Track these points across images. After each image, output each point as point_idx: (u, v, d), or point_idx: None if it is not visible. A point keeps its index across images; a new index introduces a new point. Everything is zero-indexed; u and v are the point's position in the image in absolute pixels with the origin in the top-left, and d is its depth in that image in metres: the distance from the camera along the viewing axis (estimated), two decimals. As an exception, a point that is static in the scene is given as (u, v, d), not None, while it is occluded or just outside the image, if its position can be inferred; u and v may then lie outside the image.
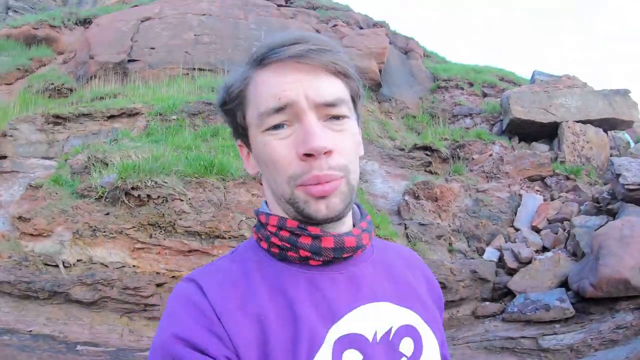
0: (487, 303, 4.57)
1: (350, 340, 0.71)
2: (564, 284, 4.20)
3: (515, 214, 6.04)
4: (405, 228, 5.52)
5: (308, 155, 0.68)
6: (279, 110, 0.69)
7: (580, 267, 4.07)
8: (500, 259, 5.19)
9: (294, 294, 0.72)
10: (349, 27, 8.29)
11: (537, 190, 6.42)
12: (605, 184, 5.99)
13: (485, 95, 8.06)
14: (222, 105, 0.80)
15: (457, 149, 7.06)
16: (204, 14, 7.30)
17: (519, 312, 3.96)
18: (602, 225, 4.55)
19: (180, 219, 3.88)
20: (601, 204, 5.17)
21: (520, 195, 6.29)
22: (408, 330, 0.78)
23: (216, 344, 0.65)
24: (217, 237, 3.99)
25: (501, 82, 8.26)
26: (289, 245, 0.74)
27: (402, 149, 6.98)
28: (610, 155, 6.39)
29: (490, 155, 6.94)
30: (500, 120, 7.58)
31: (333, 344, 0.70)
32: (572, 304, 3.81)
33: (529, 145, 7.20)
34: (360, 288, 0.76)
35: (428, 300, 0.85)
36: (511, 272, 4.83)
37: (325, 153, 0.69)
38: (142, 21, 7.45)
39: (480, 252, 5.50)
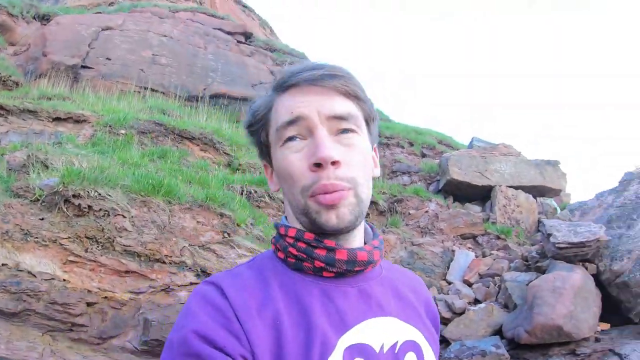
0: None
1: (359, 350, 0.75)
2: (498, 333, 4.41)
3: (448, 268, 6.28)
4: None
5: (317, 165, 0.73)
6: (291, 122, 0.76)
7: (514, 316, 4.31)
8: (433, 310, 5.32)
9: (308, 303, 0.75)
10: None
11: (469, 247, 6.75)
12: (532, 244, 6.44)
13: (424, 155, 8.51)
14: (249, 127, 0.88)
15: (395, 203, 7.30)
16: (165, 36, 7.23)
17: (456, 358, 4.05)
18: (532, 280, 4.90)
19: (121, 237, 3.63)
20: (530, 262, 5.55)
21: (453, 251, 6.58)
22: (412, 346, 0.82)
23: (234, 343, 0.67)
24: (157, 260, 3.76)
25: (440, 144, 8.79)
26: (305, 256, 0.78)
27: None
28: (538, 220, 6.94)
29: (427, 211, 7.25)
30: (437, 180, 7.99)
31: (343, 352, 0.73)
32: (507, 350, 3.99)
33: (462, 205, 7.61)
34: (370, 302, 0.80)
35: (427, 321, 0.90)
36: (445, 322, 4.95)
37: (333, 164, 0.73)
38: (103, 29, 7.25)
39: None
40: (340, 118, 0.77)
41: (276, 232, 0.85)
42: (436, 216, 7.20)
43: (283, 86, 0.81)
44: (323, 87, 0.78)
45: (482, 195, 7.67)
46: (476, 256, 6.49)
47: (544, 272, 5.14)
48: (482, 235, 6.98)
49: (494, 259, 6.23)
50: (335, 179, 0.74)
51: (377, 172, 0.87)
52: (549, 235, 5.06)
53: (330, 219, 0.75)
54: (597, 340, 4.08)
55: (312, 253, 0.78)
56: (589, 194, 8.94)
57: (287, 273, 0.80)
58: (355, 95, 0.80)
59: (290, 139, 0.77)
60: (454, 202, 7.78)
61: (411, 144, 8.48)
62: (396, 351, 0.79)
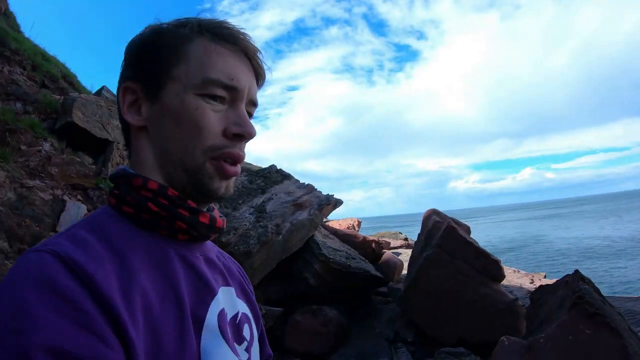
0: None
1: (221, 316, 0.75)
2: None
3: (58, 218, 5.85)
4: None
5: (238, 136, 0.75)
6: (226, 87, 0.74)
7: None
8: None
9: (172, 270, 0.70)
10: None
11: (80, 200, 6.44)
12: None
13: (44, 86, 7.39)
14: (147, 46, 0.77)
15: (7, 133, 6.10)
16: None
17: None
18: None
19: None
20: None
21: (63, 201, 6.13)
22: (247, 319, 0.85)
23: (98, 348, 0.52)
24: None
25: (63, 80, 7.83)
26: (165, 214, 0.71)
27: (-64, 105, 5.32)
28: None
29: (39, 151, 6.41)
30: (53, 117, 7.15)
31: (216, 317, 0.73)
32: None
33: (75, 153, 7.13)
34: (217, 271, 0.82)
35: (251, 297, 0.94)
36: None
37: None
38: None
39: (22, 253, 4.99)
40: (254, 105, 0.81)
41: (123, 184, 0.74)
42: (49, 158, 6.45)
43: (220, 35, 0.76)
44: (253, 66, 0.80)
45: (97, 147, 7.41)
46: (88, 210, 6.31)
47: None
48: (94, 189, 6.82)
49: (110, 217, 6.30)
50: (241, 152, 0.77)
51: None
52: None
53: (221, 187, 0.75)
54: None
55: (175, 212, 0.72)
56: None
57: (138, 235, 0.70)
58: (261, 86, 0.84)
59: (214, 97, 0.74)
60: (67, 147, 7.16)
61: (34, 69, 7.16)
62: (237, 322, 0.81)
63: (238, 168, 0.77)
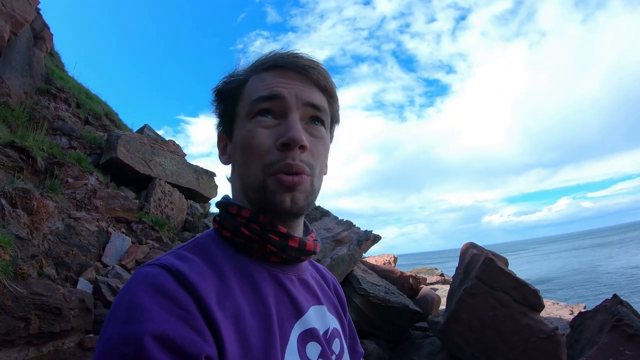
0: (92, 335, 4.43)
1: (310, 333, 0.79)
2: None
3: (103, 249, 6.03)
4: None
5: (285, 145, 0.75)
6: (268, 98, 0.77)
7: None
8: (95, 291, 5.10)
9: (263, 289, 0.75)
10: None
11: (123, 232, 6.64)
12: (180, 241, 6.98)
13: (88, 123, 7.80)
14: (219, 93, 0.88)
15: (55, 166, 6.42)
16: None
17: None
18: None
19: None
20: None
21: (108, 233, 6.33)
22: (337, 333, 0.89)
23: (195, 340, 0.58)
24: None
25: (105, 117, 8.26)
26: (257, 238, 0.77)
27: (-7, 141, 5.69)
28: (186, 220, 7.55)
29: (86, 184, 6.69)
30: (98, 153, 7.50)
31: (298, 336, 0.76)
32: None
33: (118, 187, 7.41)
34: (309, 291, 0.87)
35: (339, 308, 0.99)
36: (109, 306, 4.87)
37: (300, 147, 0.76)
38: None
39: (70, 281, 5.15)
40: (315, 107, 0.80)
41: (222, 210, 0.82)
42: (94, 192, 6.72)
43: (264, 65, 0.82)
44: (304, 75, 0.80)
45: (140, 182, 7.71)
46: (132, 242, 6.49)
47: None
48: (137, 222, 7.02)
49: (150, 248, 6.42)
50: (300, 161, 0.76)
51: (327, 170, 0.89)
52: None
53: (285, 200, 0.76)
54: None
55: (266, 236, 0.77)
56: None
57: (235, 256, 0.77)
58: (330, 93, 0.84)
59: (262, 113, 0.77)
60: (111, 181, 7.46)
61: (79, 106, 7.59)
62: (327, 337, 0.85)
63: (301, 178, 0.76)
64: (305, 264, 0.90)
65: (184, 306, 0.61)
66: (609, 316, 3.25)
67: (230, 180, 0.88)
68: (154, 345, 0.55)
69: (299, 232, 0.86)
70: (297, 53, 0.82)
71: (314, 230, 0.92)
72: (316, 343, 0.79)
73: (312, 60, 0.82)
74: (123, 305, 0.60)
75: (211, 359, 0.60)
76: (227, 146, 0.87)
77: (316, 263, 1.04)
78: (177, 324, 0.58)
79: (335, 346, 0.86)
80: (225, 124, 0.87)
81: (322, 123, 0.83)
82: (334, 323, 0.90)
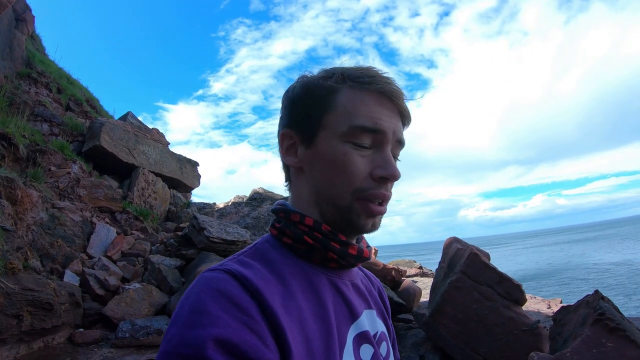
0: (82, 330, 4.39)
1: (364, 337, 0.82)
2: (161, 312, 4.68)
3: (88, 240, 5.94)
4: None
5: (383, 178, 0.79)
6: (372, 131, 0.79)
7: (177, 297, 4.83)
8: (82, 284, 5.04)
9: (322, 294, 0.78)
10: None
11: (107, 222, 6.54)
12: (163, 230, 6.91)
13: (69, 109, 7.59)
14: (299, 98, 0.85)
15: (37, 154, 6.25)
16: None
17: (131, 338, 4.06)
18: (179, 265, 5.49)
19: None
20: (170, 249, 5.94)
21: (92, 223, 6.23)
22: (384, 337, 0.93)
23: (257, 346, 0.60)
24: None
25: (86, 103, 8.04)
26: (319, 246, 0.80)
27: (-27, 127, 5.49)
28: (169, 210, 7.46)
29: (69, 173, 6.54)
30: (79, 140, 7.32)
31: (353, 339, 0.79)
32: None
33: (101, 175, 7.27)
34: (361, 296, 0.90)
35: (384, 311, 1.01)
36: (97, 299, 4.83)
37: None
38: None
39: (56, 273, 5.07)
40: (402, 144, 0.85)
41: (283, 218, 0.84)
42: (77, 181, 6.59)
43: (359, 80, 0.82)
44: (397, 106, 0.83)
45: (122, 171, 7.57)
46: (117, 233, 6.39)
47: (189, 260, 5.81)
48: (120, 212, 6.92)
49: (136, 239, 6.35)
50: (389, 192, 0.82)
51: None
52: (202, 229, 5.73)
53: (367, 224, 0.81)
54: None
55: (328, 244, 0.80)
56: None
57: (295, 261, 0.80)
58: (407, 125, 0.88)
59: (362, 145, 0.79)
60: (93, 169, 7.30)
61: (60, 91, 7.37)
62: (377, 340, 0.88)
63: (384, 207, 0.82)
64: (356, 269, 0.93)
65: (248, 312, 0.62)
66: (591, 310, 3.47)
67: (294, 185, 0.89)
68: (215, 349, 0.56)
69: (354, 239, 0.89)
70: (389, 77, 0.83)
71: (364, 237, 0.95)
72: (369, 345, 0.82)
73: (400, 89, 0.84)
74: (187, 309, 0.62)
75: None
76: (294, 146, 0.86)
77: (364, 269, 1.08)
78: (240, 329, 0.59)
79: (383, 349, 0.90)
80: (305, 127, 0.84)
81: (398, 159, 0.86)
82: (381, 327, 0.93)
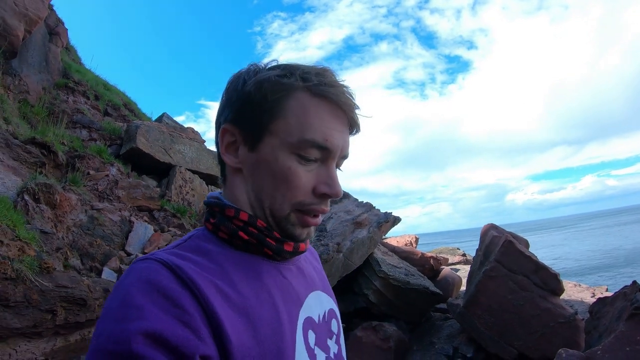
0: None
1: (309, 322, 0.82)
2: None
3: (126, 238, 6.20)
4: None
5: (325, 195, 0.79)
6: (321, 148, 0.77)
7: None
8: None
9: (266, 280, 0.77)
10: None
11: (146, 221, 6.80)
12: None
13: (107, 114, 7.93)
14: (249, 95, 0.79)
15: (76, 159, 6.57)
16: None
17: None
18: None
19: None
20: None
21: (130, 222, 6.49)
22: (333, 314, 0.93)
23: (189, 339, 0.58)
24: None
25: (124, 107, 8.37)
26: (255, 242, 0.79)
27: (16, 138, 5.85)
28: (205, 206, 7.65)
29: (107, 175, 6.83)
30: (118, 143, 7.62)
31: (303, 323, 0.79)
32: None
33: (140, 176, 7.56)
34: (306, 278, 0.89)
35: (331, 289, 1.02)
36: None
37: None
38: None
39: (95, 271, 5.32)
40: (345, 158, 0.84)
41: (218, 212, 0.81)
42: (116, 182, 6.87)
43: (317, 87, 0.78)
44: (347, 116, 0.80)
45: (160, 170, 7.80)
46: (155, 230, 6.64)
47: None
48: (158, 210, 7.15)
49: (173, 236, 6.55)
50: (327, 208, 0.82)
51: None
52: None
53: (302, 234, 0.82)
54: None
55: (264, 240, 0.79)
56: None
57: (234, 252, 0.78)
58: (356, 134, 0.86)
59: (308, 158, 0.77)
60: (132, 171, 7.61)
61: (97, 98, 7.71)
62: (325, 319, 0.88)
63: (319, 219, 0.82)
64: None
65: (180, 304, 0.60)
66: (628, 303, 3.16)
67: (229, 183, 0.85)
68: (144, 343, 0.54)
69: None
70: (345, 85, 0.80)
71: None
72: (311, 331, 0.81)
73: (353, 99, 0.81)
74: (116, 302, 0.59)
75: (207, 358, 0.59)
76: (236, 144, 0.82)
77: None
78: (171, 322, 0.57)
79: (334, 326, 0.90)
80: (250, 129, 0.79)
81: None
82: (329, 304, 0.93)
